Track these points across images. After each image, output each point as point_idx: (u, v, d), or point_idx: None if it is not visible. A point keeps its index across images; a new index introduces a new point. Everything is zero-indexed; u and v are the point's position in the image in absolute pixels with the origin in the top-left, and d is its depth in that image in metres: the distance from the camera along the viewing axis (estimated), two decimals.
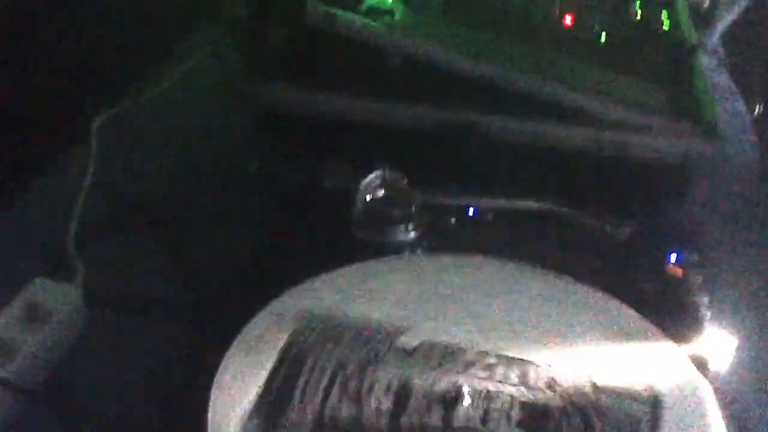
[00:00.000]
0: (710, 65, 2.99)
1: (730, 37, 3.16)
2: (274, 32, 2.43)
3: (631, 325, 1.51)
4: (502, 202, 2.07)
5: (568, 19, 2.63)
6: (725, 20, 3.14)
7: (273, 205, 2.24)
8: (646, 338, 1.46)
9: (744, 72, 3.05)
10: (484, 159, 2.26)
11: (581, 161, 2.27)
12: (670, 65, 2.53)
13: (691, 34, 2.71)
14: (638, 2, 2.75)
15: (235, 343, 1.44)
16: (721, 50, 3.16)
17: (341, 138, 2.34)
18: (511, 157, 2.25)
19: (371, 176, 2.02)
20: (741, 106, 2.88)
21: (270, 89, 2.41)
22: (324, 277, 1.59)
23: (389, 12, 2.42)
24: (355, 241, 1.94)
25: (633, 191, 2.22)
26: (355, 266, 1.63)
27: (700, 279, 1.73)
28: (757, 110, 2.88)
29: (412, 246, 1.90)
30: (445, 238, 1.98)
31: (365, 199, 1.98)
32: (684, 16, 2.78)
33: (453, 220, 2.05)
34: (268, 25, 2.42)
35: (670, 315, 1.62)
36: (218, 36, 2.86)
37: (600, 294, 1.58)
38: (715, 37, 3.12)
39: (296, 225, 2.12)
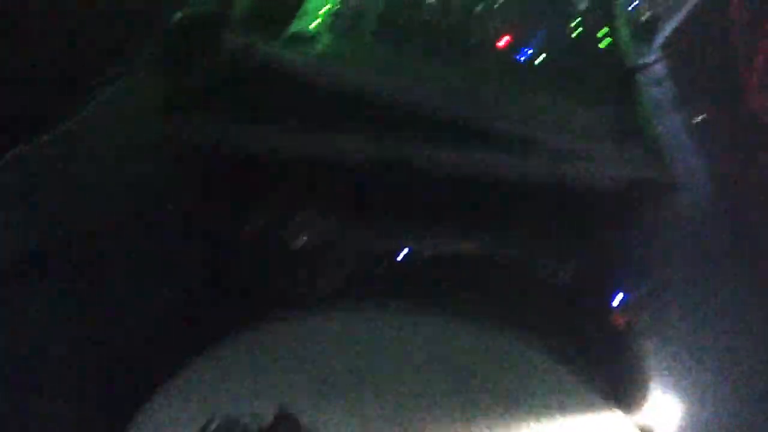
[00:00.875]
0: (652, 77, 2.90)
1: (672, 47, 3.09)
2: (194, 65, 2.27)
3: (575, 394, 1.38)
4: (437, 244, 1.93)
5: (503, 42, 2.51)
6: (666, 30, 3.08)
7: (191, 252, 2.07)
8: (590, 407, 1.33)
9: (688, 80, 2.99)
10: (417, 195, 2.12)
11: (520, 194, 2.14)
12: (609, 87, 2.42)
13: (631, 52, 2.62)
14: (576, 21, 2.65)
15: None
16: (662, 61, 3.09)
17: (265, 174, 2.18)
18: (445, 194, 2.12)
19: (296, 220, 1.88)
20: (686, 123, 2.79)
21: (191, 124, 2.25)
22: (232, 346, 1.44)
23: (313, 39, 2.28)
24: (276, 290, 1.79)
25: (575, 226, 2.10)
26: (265, 332, 1.48)
27: (646, 326, 1.61)
28: (699, 119, 2.80)
29: (336, 296, 1.76)
30: (375, 285, 1.84)
31: (289, 245, 1.84)
32: (623, 31, 2.68)
33: (384, 264, 1.90)
34: (187, 58, 2.27)
35: (616, 374, 1.49)
36: (136, 69, 2.67)
37: (542, 357, 1.44)
38: (656, 48, 3.05)
39: (217, 273, 1.96)
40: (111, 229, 2.14)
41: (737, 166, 2.41)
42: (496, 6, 2.59)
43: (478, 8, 2.57)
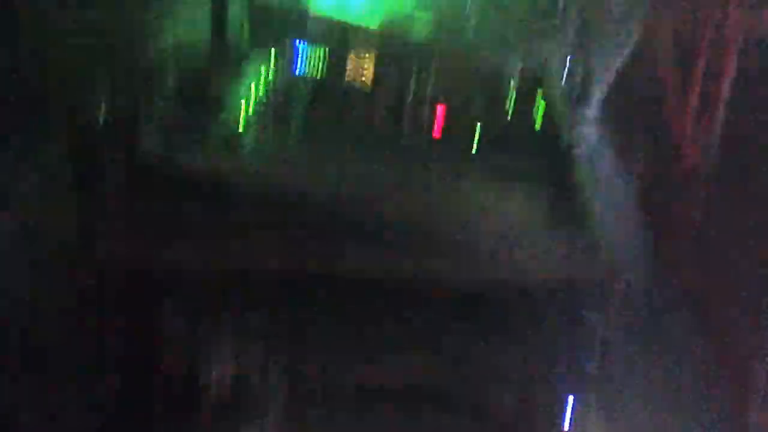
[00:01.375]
0: (588, 150, 2.83)
1: (606, 114, 3.04)
2: (107, 176, 2.13)
3: None
4: (365, 374, 1.81)
5: (437, 131, 2.42)
6: (602, 88, 3.03)
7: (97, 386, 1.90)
8: None
9: (623, 149, 2.94)
10: (344, 310, 1.99)
11: (453, 307, 2.02)
12: (546, 170, 2.33)
13: (567, 126, 2.53)
14: (510, 99, 2.57)
15: None
16: (601, 121, 3.04)
17: (179, 292, 2.03)
18: (372, 306, 2.00)
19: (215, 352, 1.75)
20: (626, 195, 2.69)
21: (101, 239, 2.10)
22: None
23: (236, 140, 2.17)
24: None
25: (513, 338, 1.99)
26: None
27: None
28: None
29: None
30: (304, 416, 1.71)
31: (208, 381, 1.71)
32: (558, 106, 2.58)
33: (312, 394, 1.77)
34: (99, 169, 2.13)
35: None
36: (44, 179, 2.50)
37: None
38: (593, 108, 3.01)
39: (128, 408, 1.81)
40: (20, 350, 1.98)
41: (680, 244, 2.34)
42: (428, 93, 2.49)
43: (410, 97, 2.47)
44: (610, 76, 2.86)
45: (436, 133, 2.39)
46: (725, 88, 3.07)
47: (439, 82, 2.48)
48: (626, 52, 2.89)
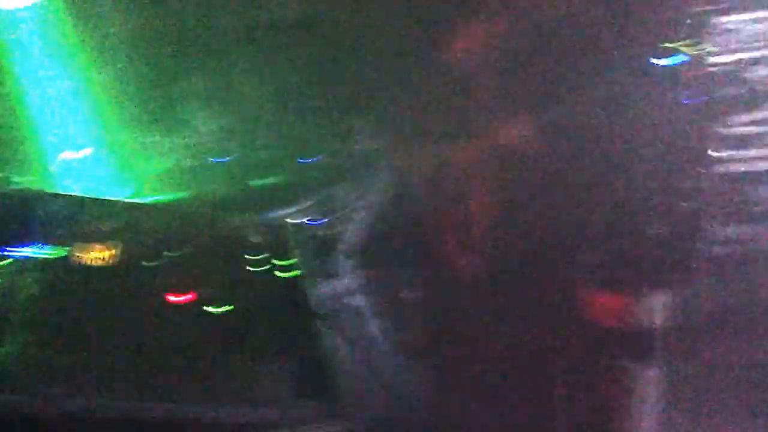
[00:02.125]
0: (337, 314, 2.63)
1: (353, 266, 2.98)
2: None
3: None
4: None
5: (182, 297, 2.26)
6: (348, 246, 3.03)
7: None
8: None
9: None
10: None
11: None
12: (291, 338, 2.22)
13: (310, 287, 2.43)
14: (253, 259, 2.47)
15: None
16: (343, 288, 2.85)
17: None
18: None
19: None
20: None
21: None
22: None
23: None
24: None
25: None
26: None
27: None
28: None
29: None
30: None
31: None
32: (304, 263, 2.50)
33: None
34: None
35: None
36: None
37: None
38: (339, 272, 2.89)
39: None
40: None
41: None
42: (166, 258, 2.34)
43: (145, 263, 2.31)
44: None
45: (179, 299, 2.24)
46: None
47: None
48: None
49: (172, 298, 2.18)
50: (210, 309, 2.16)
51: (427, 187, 3.80)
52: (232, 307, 2.17)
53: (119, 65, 2.62)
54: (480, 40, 3.95)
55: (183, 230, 2.48)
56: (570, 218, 4.29)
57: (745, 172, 4.15)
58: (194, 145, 3.37)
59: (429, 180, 3.84)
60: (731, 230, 4.18)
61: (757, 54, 4.43)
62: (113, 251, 2.31)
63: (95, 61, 2.62)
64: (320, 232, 2.91)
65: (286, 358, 2.04)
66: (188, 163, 3.28)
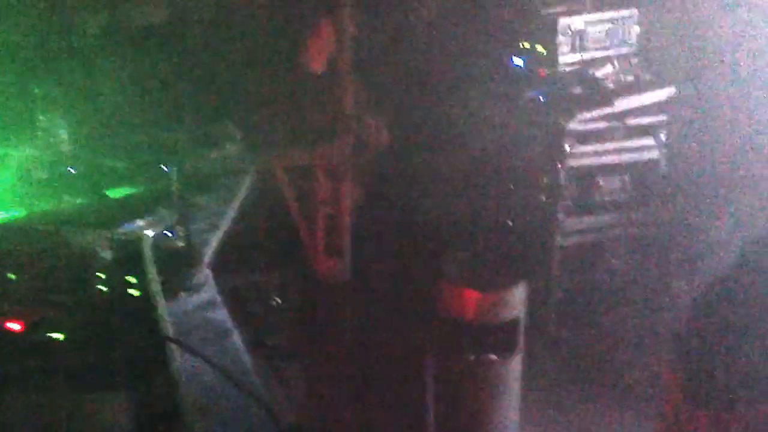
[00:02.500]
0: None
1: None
2: None
3: None
4: None
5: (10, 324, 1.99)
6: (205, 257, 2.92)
7: None
8: None
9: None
10: None
11: None
12: (146, 368, 1.91)
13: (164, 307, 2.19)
14: (101, 278, 2.26)
15: None
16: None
17: None
18: None
19: None
20: None
21: None
22: None
23: None
24: None
25: None
26: None
27: None
28: None
29: None
30: None
31: None
32: (153, 279, 2.26)
33: None
34: None
35: None
36: None
37: None
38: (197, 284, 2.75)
39: None
40: None
41: None
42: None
43: None
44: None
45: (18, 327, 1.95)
46: None
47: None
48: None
49: (9, 325, 1.96)
50: (51, 335, 1.94)
51: (290, 191, 3.85)
52: (72, 332, 1.95)
53: None
54: (338, 43, 4.01)
55: (23, 251, 2.29)
56: (429, 216, 4.43)
57: (593, 166, 4.40)
58: (46, 155, 3.23)
59: (292, 184, 3.88)
60: (581, 220, 4.43)
61: (604, 53, 4.71)
62: None
63: None
64: (180, 243, 2.78)
65: (133, 389, 1.77)
66: (39, 175, 3.11)
